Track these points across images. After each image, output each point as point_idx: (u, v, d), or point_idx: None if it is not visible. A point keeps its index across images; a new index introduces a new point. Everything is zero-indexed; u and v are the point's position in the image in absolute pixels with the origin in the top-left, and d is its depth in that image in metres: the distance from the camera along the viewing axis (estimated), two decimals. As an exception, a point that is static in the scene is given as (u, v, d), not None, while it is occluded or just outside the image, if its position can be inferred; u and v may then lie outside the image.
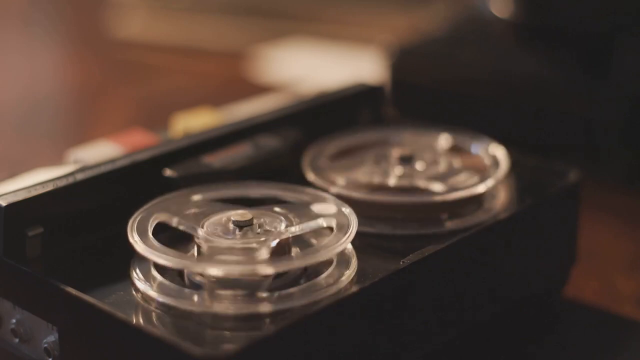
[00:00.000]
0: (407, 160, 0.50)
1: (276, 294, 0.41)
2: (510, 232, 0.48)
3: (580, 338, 0.50)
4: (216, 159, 0.48)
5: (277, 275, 0.42)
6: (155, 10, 0.97)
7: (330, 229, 0.44)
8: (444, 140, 0.52)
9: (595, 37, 0.69)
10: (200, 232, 0.43)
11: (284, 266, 0.41)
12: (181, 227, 0.44)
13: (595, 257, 0.58)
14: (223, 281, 0.41)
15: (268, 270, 0.41)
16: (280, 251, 0.42)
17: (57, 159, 0.53)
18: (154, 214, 0.44)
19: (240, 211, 0.44)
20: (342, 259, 0.43)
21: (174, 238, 0.44)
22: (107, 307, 0.39)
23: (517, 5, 0.72)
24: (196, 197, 0.46)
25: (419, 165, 0.50)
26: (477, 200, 0.48)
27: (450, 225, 0.47)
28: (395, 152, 0.51)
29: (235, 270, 0.41)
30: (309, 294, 0.41)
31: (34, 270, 0.42)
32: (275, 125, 0.52)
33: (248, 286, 0.41)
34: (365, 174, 0.49)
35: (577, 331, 0.51)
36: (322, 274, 0.42)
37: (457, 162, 0.50)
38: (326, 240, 0.43)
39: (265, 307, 0.40)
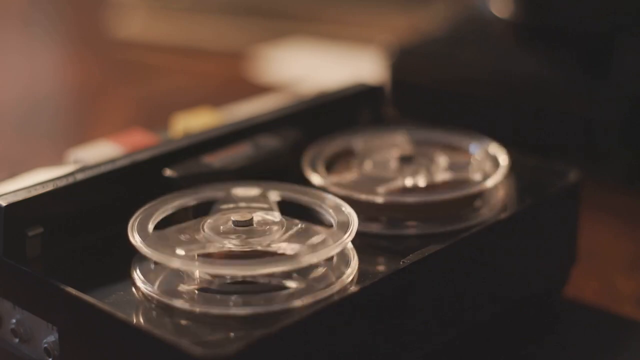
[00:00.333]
0: (407, 160, 0.50)
1: (276, 293, 0.41)
2: (510, 232, 0.47)
3: (580, 338, 0.50)
4: (216, 159, 0.48)
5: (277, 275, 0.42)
6: (155, 10, 0.97)
7: (331, 227, 0.44)
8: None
9: (595, 37, 0.69)
10: (201, 232, 0.43)
11: (284, 266, 0.41)
12: (181, 228, 0.44)
13: (595, 257, 0.58)
14: (223, 281, 0.41)
15: (268, 270, 0.41)
16: (281, 251, 0.42)
17: (57, 159, 0.53)
18: (154, 214, 0.44)
19: (240, 211, 0.44)
20: (342, 259, 0.43)
21: (174, 238, 0.44)
22: (107, 307, 0.39)
23: (517, 5, 0.72)
24: (195, 197, 0.46)
25: (419, 165, 0.50)
26: (477, 200, 0.48)
27: (450, 225, 0.47)
28: (395, 152, 0.51)
29: (235, 270, 0.41)
30: (309, 294, 0.41)
31: (34, 270, 0.42)
32: (275, 125, 0.52)
33: (248, 286, 0.41)
34: (365, 173, 0.49)
35: (577, 331, 0.51)
36: (322, 273, 0.42)
37: (457, 162, 0.50)
38: (326, 239, 0.43)
39: (265, 307, 0.40)
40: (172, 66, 0.88)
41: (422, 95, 0.71)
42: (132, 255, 0.43)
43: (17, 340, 0.43)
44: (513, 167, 0.51)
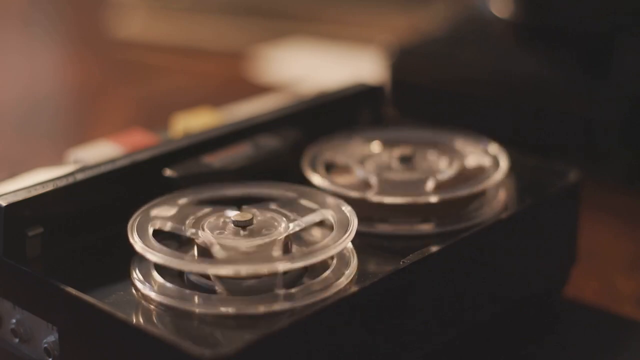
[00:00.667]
0: (407, 160, 0.50)
1: (276, 293, 0.41)
2: (510, 232, 0.47)
3: (580, 338, 0.50)
4: (216, 159, 0.48)
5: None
6: (155, 10, 0.97)
7: (331, 227, 0.44)
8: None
9: (595, 37, 0.69)
10: (201, 232, 0.43)
11: (284, 266, 0.41)
12: (180, 228, 0.44)
13: (595, 257, 0.58)
14: (223, 281, 0.41)
15: (268, 270, 0.41)
16: (281, 251, 0.42)
17: (57, 159, 0.53)
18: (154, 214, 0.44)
19: (240, 211, 0.44)
20: (342, 259, 0.43)
21: (174, 238, 0.44)
22: (107, 307, 0.39)
23: (517, 5, 0.72)
24: (193, 198, 0.46)
25: (419, 165, 0.50)
26: (477, 200, 0.48)
27: (450, 225, 0.47)
28: (395, 152, 0.51)
29: (235, 270, 0.41)
30: (309, 294, 0.41)
31: (34, 270, 0.42)
32: (275, 125, 0.52)
33: (248, 286, 0.41)
34: (365, 173, 0.49)
35: (577, 331, 0.51)
36: (322, 273, 0.42)
37: (457, 162, 0.50)
38: (327, 238, 0.43)
39: (265, 307, 0.40)
40: (172, 66, 0.88)
41: (422, 95, 0.71)
42: (132, 255, 0.43)
43: (17, 340, 0.43)
44: (513, 167, 0.51)
